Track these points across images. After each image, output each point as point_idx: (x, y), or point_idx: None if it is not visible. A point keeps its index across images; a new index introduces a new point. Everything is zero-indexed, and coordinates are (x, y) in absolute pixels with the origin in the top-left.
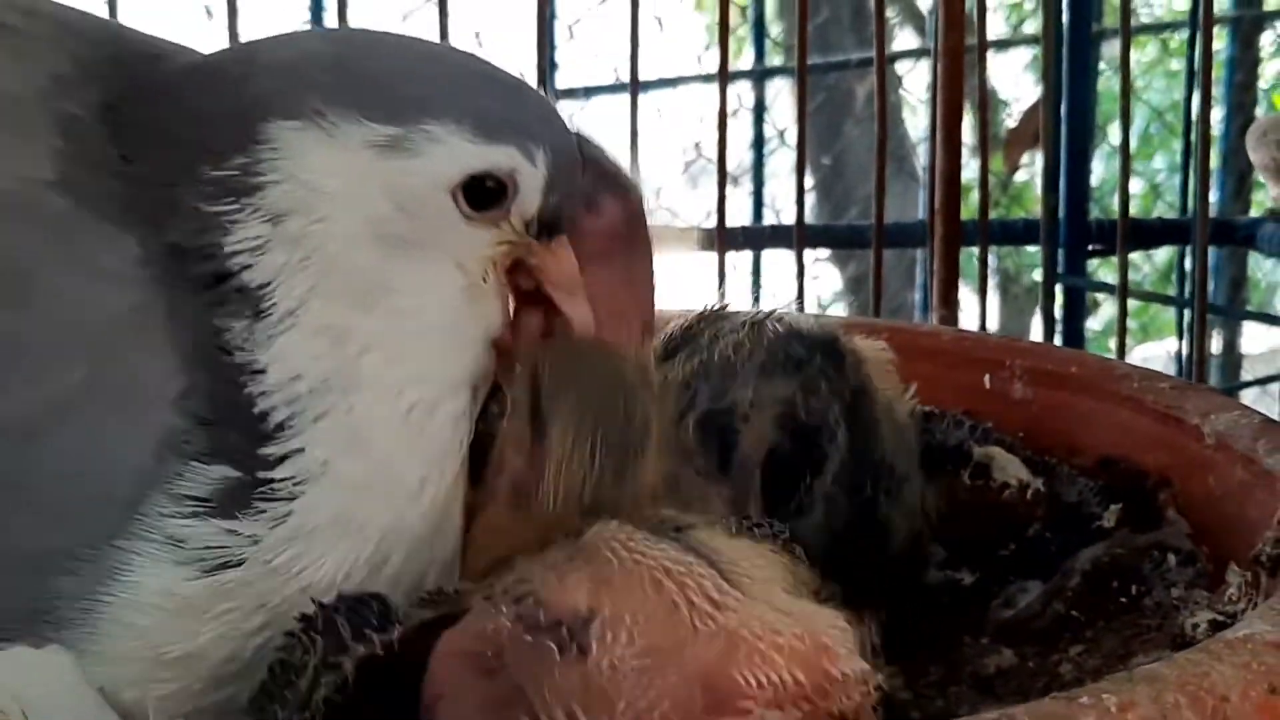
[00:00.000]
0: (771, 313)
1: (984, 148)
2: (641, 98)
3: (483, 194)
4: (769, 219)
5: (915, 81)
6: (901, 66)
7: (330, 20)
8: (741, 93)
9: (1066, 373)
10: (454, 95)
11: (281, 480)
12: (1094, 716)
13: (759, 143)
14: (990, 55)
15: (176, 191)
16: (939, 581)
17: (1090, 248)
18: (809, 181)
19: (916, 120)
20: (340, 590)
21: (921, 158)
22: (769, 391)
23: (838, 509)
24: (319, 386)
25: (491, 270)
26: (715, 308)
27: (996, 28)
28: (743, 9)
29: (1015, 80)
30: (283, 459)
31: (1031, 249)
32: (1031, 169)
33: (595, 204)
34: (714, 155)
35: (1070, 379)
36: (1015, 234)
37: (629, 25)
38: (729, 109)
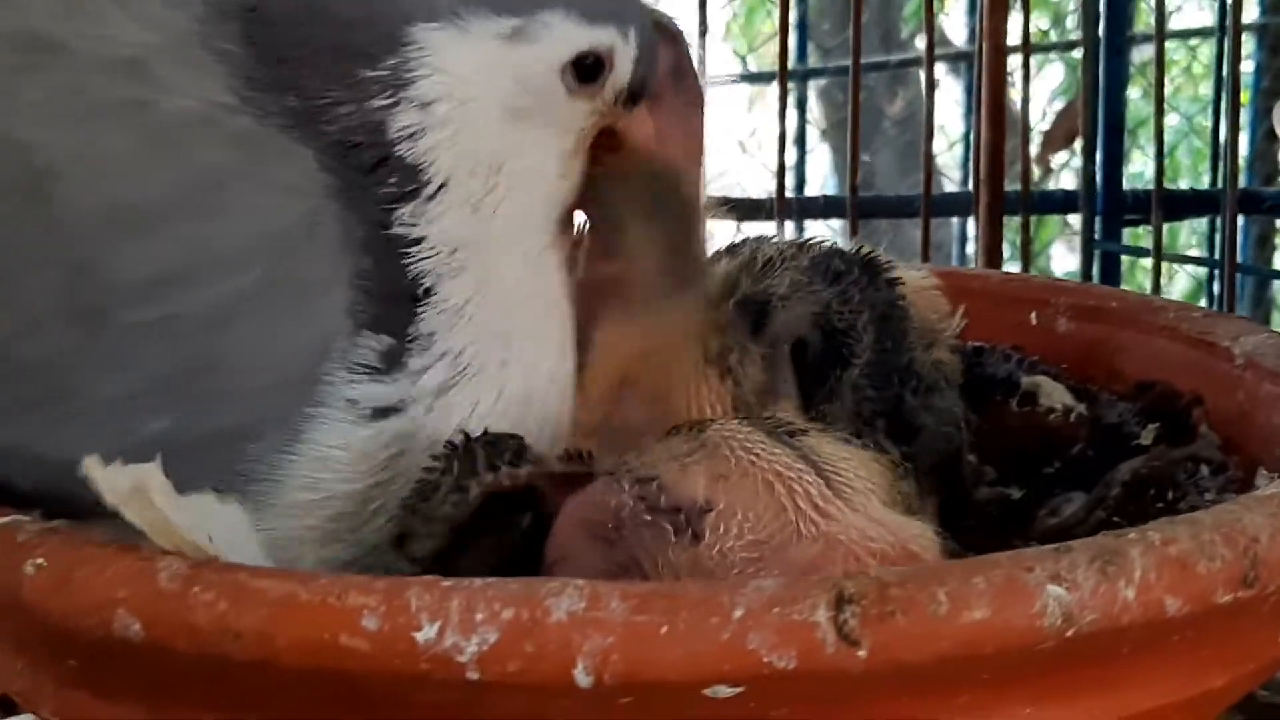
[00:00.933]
0: (817, 239)
1: (1025, 116)
2: None
3: (584, 70)
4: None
5: (945, 113)
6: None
7: None
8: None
9: (1107, 307)
10: None
11: (430, 333)
12: (1140, 548)
13: (801, 138)
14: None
15: (337, 95)
16: (989, 497)
17: (1126, 217)
18: (843, 178)
19: (943, 138)
20: (486, 428)
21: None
22: (806, 290)
23: (865, 399)
24: (461, 247)
25: (583, 139)
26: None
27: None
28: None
29: (1045, 103)
30: (429, 314)
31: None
32: (1062, 171)
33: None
34: (754, 151)
35: (1110, 313)
36: (1055, 204)
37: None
38: (774, 107)
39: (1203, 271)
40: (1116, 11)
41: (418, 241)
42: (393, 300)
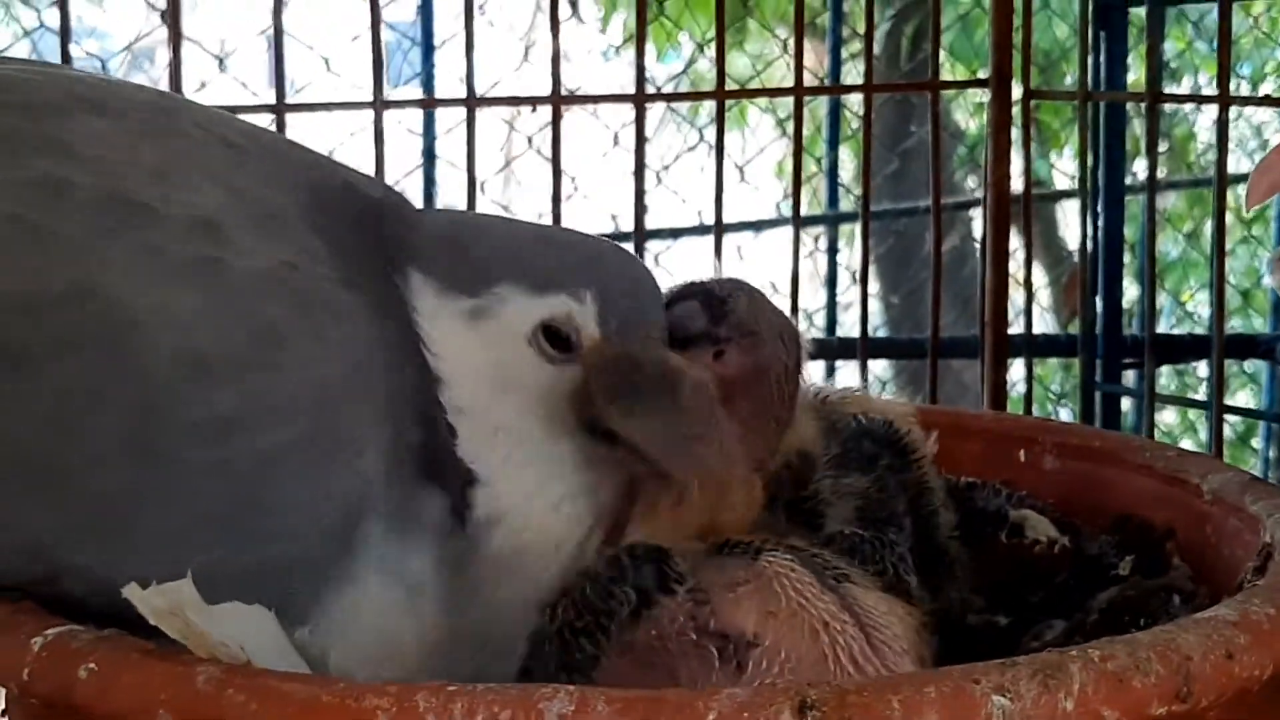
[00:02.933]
0: (828, 396)
1: (1028, 263)
2: (724, 239)
3: (557, 339)
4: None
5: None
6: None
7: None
8: (818, 235)
9: (1090, 446)
10: (510, 257)
11: (471, 513)
12: (1080, 663)
13: (832, 281)
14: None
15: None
16: (979, 624)
17: (1125, 360)
18: (879, 319)
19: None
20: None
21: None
22: (846, 488)
23: (909, 586)
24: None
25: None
26: None
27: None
28: (818, 160)
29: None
30: (471, 499)
31: None
32: None
33: (721, 354)
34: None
35: (1093, 451)
36: (1059, 347)
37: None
38: (805, 249)
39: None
40: (1114, 162)
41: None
42: (433, 469)
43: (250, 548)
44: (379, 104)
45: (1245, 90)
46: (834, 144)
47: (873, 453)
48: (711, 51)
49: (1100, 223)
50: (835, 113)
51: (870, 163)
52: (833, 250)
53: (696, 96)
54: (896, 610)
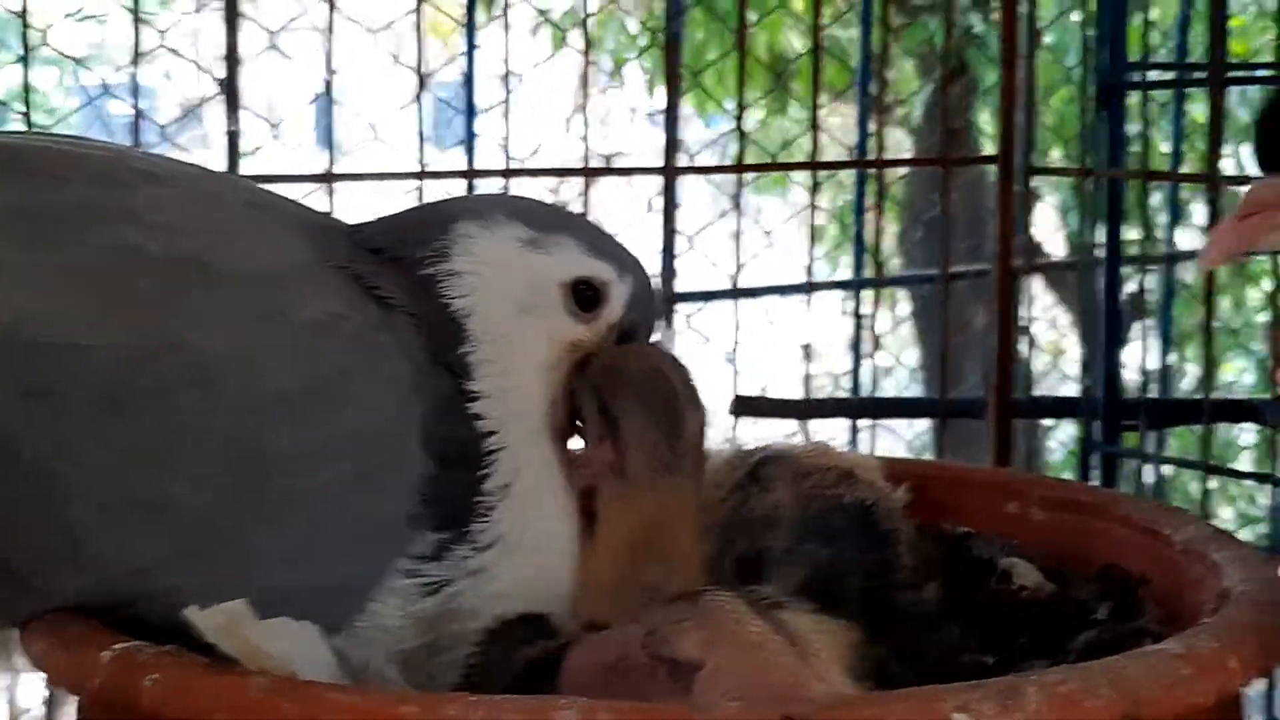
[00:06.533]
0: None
1: (1029, 333)
2: (753, 303)
3: (583, 299)
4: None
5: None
6: None
7: None
8: (845, 300)
9: (1075, 500)
10: (578, 227)
11: (479, 529)
12: (1036, 686)
13: (856, 344)
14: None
15: (407, 279)
16: (970, 663)
17: (1123, 423)
18: (908, 381)
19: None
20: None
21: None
22: (800, 552)
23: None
24: (496, 417)
25: (566, 357)
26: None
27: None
28: (844, 225)
29: None
30: (485, 511)
31: None
32: None
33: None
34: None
35: (1077, 504)
36: (1062, 409)
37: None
38: (837, 312)
39: None
40: (1114, 232)
41: (473, 401)
42: (454, 492)
43: (325, 565)
44: (422, 175)
45: None
46: (860, 211)
47: (840, 526)
48: (752, 115)
49: (1100, 289)
50: (862, 182)
51: (949, 229)
52: (858, 315)
53: (721, 170)
54: (825, 626)
